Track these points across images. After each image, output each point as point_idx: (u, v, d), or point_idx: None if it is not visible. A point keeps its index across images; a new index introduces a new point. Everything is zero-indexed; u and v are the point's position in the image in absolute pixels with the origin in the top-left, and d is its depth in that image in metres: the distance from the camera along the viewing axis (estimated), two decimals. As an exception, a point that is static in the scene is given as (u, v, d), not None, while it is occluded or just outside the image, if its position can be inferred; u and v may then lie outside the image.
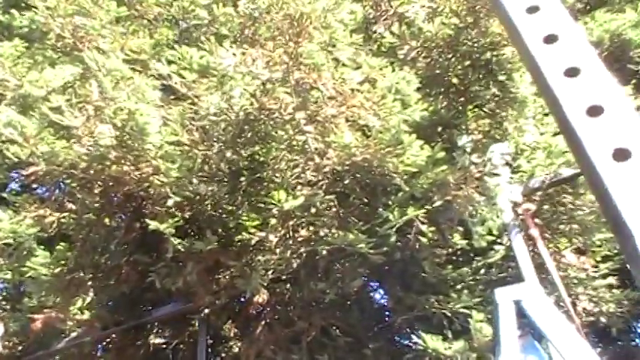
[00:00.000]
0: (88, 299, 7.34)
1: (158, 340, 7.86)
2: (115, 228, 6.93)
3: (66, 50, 7.75)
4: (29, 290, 7.86)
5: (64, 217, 6.88)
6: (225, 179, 6.51)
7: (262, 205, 6.49)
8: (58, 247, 7.43)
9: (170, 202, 6.24)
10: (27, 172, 6.52)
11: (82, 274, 7.09)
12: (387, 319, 7.59)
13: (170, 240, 6.20)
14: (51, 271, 7.17)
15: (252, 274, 6.46)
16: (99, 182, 6.58)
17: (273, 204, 6.11)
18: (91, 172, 6.44)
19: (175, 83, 6.77)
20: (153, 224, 6.14)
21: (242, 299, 7.23)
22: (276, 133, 6.32)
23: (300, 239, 6.44)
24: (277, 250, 6.56)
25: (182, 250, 6.32)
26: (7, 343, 7.72)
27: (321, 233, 6.32)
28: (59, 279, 7.09)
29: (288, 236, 6.45)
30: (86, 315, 7.42)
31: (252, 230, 6.60)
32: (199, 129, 6.43)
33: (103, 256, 7.04)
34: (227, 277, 6.82)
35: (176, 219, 6.21)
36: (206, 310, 7.14)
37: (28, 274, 7.42)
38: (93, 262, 7.02)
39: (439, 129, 7.32)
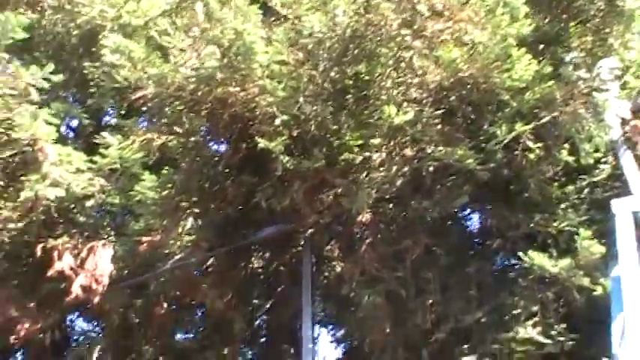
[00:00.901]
0: (192, 222, 7.52)
1: (260, 262, 8.02)
2: (221, 150, 7.04)
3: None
4: (136, 214, 8.11)
5: (170, 141, 7.02)
6: (330, 98, 6.52)
7: (369, 122, 6.50)
8: (163, 171, 7.63)
9: (277, 121, 6.30)
10: (136, 96, 6.66)
11: (188, 197, 7.26)
12: (489, 238, 7.58)
13: (279, 158, 6.28)
14: (158, 194, 7.36)
15: (357, 192, 6.51)
16: (205, 105, 6.67)
17: (383, 119, 6.13)
18: (199, 94, 6.53)
19: (275, 5, 6.79)
20: (262, 142, 6.22)
21: (345, 219, 7.27)
22: (381, 50, 6.28)
23: (405, 157, 6.45)
24: (381, 169, 6.59)
25: (289, 168, 6.40)
26: (114, 265, 7.97)
27: (428, 150, 6.31)
28: (166, 201, 7.27)
29: (393, 154, 6.47)
30: (191, 237, 7.62)
31: (357, 149, 6.62)
32: (304, 48, 6.44)
33: (209, 179, 7.18)
34: (331, 196, 6.87)
35: (284, 137, 6.28)
36: (310, 230, 7.26)
37: (135, 198, 7.64)
38: (199, 184, 7.17)
39: (542, 46, 7.15)
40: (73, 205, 7.84)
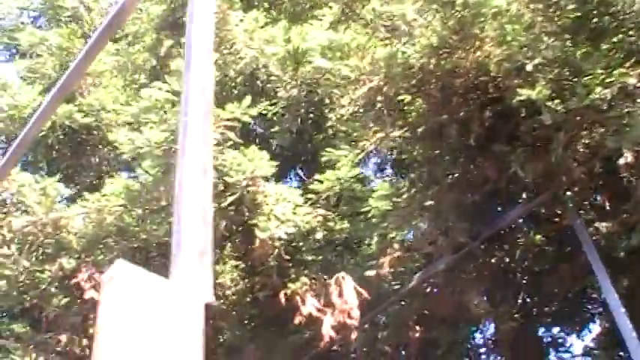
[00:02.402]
0: (436, 222, 6.87)
1: (516, 247, 7.24)
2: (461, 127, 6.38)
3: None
4: (362, 238, 7.56)
5: (399, 136, 6.46)
6: (571, 32, 5.93)
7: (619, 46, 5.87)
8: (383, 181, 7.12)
9: (529, 67, 5.71)
10: (363, 91, 6.17)
11: (430, 194, 6.64)
12: None
13: (545, 106, 5.64)
14: (393, 200, 6.79)
15: (627, 125, 5.79)
16: (435, 82, 6.12)
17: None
18: (430, 67, 6.00)
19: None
20: (524, 93, 5.59)
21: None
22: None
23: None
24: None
25: (556, 116, 5.72)
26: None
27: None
28: (407, 204, 6.68)
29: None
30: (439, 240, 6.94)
31: (608, 82, 5.95)
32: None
33: (453, 163, 6.56)
34: (591, 143, 6.15)
35: (543, 82, 5.65)
36: (574, 190, 6.55)
37: (369, 214, 7.05)
38: (442, 173, 6.56)
39: None
40: (301, 243, 7.30)
